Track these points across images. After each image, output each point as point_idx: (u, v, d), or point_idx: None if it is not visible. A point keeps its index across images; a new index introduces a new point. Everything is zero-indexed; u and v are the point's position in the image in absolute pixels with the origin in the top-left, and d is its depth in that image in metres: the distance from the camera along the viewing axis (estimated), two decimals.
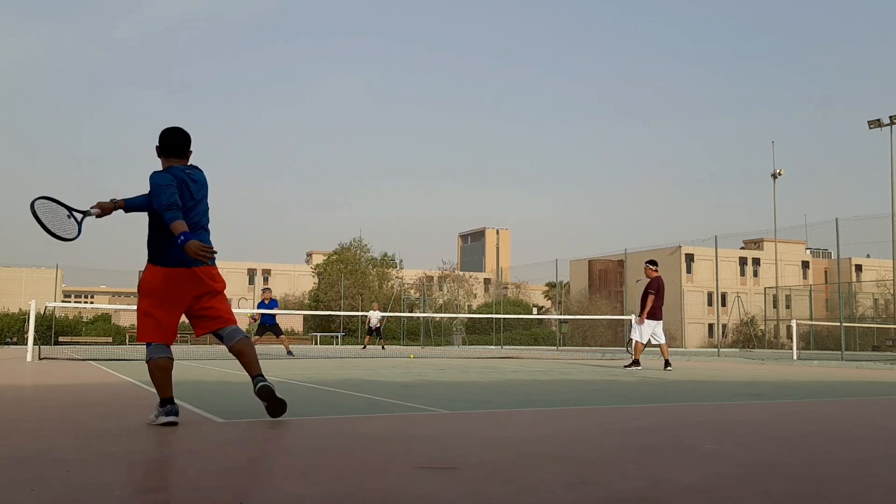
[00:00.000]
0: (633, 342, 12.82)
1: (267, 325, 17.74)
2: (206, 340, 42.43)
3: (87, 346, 29.68)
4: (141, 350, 22.72)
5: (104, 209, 4.44)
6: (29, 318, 15.23)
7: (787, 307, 45.18)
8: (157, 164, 4.47)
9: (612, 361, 17.53)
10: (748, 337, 44.12)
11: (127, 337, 38.95)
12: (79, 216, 4.41)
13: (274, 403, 4.40)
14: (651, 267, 12.65)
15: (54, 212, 4.37)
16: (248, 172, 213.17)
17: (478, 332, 46.94)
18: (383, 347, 27.47)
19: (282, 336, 17.64)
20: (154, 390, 4.32)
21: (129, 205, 4.49)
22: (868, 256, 52.17)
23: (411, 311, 44.66)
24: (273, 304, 17.66)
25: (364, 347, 27.40)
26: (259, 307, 17.90)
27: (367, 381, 8.52)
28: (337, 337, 43.04)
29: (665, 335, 12.72)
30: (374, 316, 26.73)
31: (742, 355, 22.87)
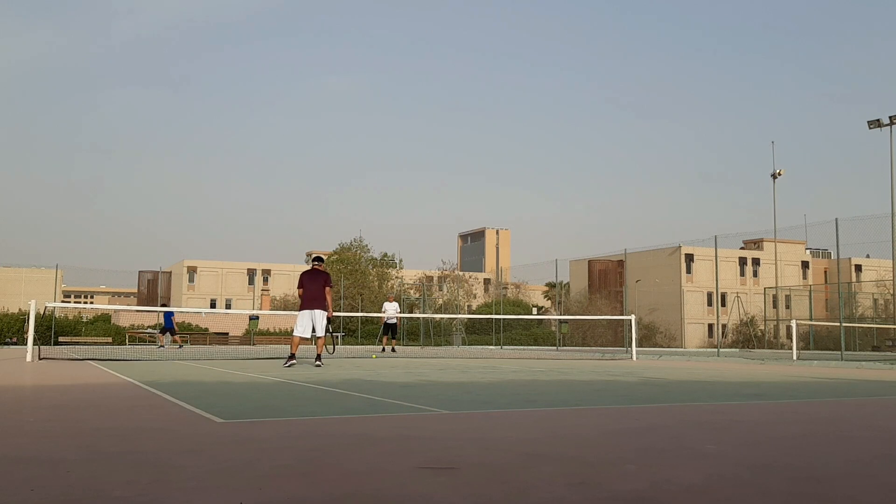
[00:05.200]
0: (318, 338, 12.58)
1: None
2: (205, 340, 42.43)
3: (86, 346, 29.68)
4: (138, 351, 22.80)
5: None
6: (29, 318, 15.23)
7: (787, 307, 45.17)
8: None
9: (612, 362, 17.53)
10: (748, 337, 44.12)
11: (126, 337, 38.93)
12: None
13: None
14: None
15: None
16: (248, 172, 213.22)
17: (478, 332, 46.92)
18: (393, 349, 23.45)
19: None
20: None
21: None
22: (868, 256, 52.15)
23: (411, 312, 44.63)
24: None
25: (388, 350, 23.07)
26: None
27: (367, 381, 8.51)
28: (337, 337, 43.03)
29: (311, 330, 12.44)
30: (391, 308, 23.39)
31: (742, 355, 22.86)
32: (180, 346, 26.69)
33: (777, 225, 50.96)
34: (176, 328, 27.69)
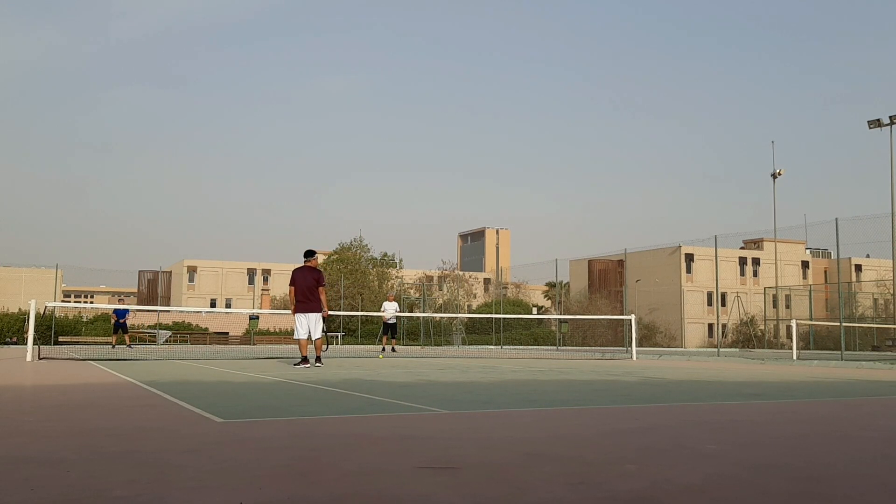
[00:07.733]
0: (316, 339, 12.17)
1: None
2: (205, 340, 42.42)
3: (86, 346, 29.68)
4: (138, 351, 22.80)
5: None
6: (29, 317, 15.23)
7: (787, 307, 45.16)
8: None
9: (612, 362, 17.53)
10: (748, 337, 44.11)
11: (126, 337, 38.86)
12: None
13: None
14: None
15: None
16: (248, 171, 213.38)
17: (478, 332, 46.92)
18: (393, 349, 23.21)
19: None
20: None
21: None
22: (868, 256, 52.18)
23: (411, 311, 44.63)
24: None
25: (389, 350, 22.71)
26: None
27: (367, 381, 8.52)
28: (337, 337, 43.02)
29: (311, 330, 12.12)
30: (390, 308, 23.00)
31: (742, 355, 22.86)
32: (113, 346, 25.97)
33: (777, 225, 50.94)
34: (125, 328, 26.90)
